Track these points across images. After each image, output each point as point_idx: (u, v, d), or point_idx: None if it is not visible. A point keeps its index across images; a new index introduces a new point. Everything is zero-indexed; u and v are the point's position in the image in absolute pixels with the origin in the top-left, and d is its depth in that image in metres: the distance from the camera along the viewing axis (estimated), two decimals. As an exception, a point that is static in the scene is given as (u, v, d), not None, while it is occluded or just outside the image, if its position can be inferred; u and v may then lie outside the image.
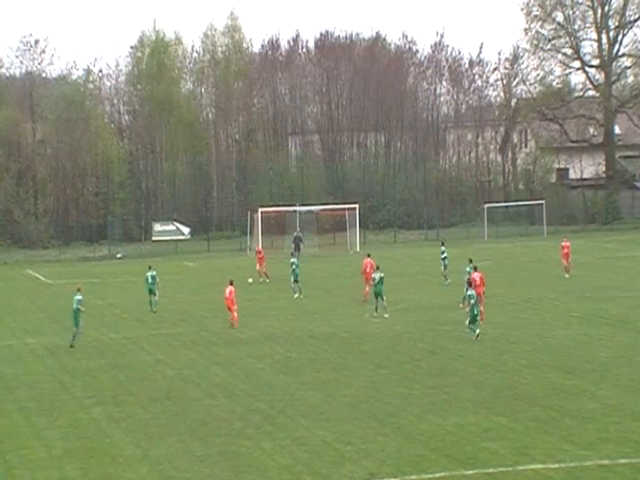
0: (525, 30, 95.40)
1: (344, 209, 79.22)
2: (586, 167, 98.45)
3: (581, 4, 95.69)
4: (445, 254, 53.21)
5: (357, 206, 78.41)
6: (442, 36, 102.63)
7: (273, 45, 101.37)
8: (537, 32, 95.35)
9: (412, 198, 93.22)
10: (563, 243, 55.19)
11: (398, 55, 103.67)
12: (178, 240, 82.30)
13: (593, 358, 32.34)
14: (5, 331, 42.60)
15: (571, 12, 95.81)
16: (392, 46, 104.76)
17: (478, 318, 36.53)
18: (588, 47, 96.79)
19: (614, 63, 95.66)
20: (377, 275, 42.90)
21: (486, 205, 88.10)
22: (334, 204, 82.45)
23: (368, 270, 46.78)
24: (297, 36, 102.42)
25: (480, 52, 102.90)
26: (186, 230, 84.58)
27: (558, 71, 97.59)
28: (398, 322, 40.92)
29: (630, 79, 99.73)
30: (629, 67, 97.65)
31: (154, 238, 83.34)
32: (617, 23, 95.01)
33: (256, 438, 24.13)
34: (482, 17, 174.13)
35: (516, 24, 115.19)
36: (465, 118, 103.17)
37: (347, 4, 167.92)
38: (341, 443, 23.41)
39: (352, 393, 28.54)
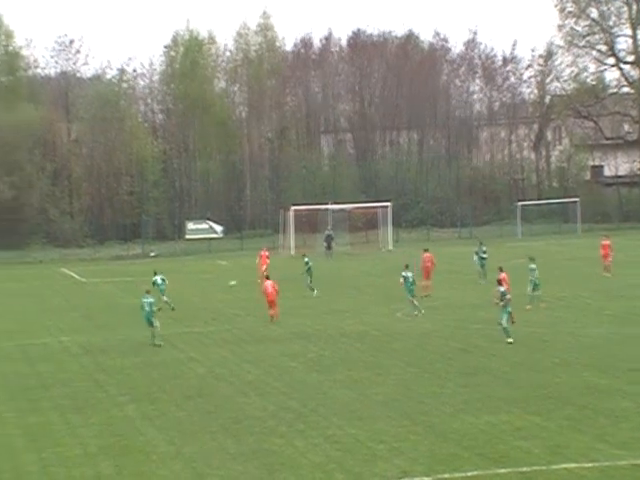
0: (559, 27, 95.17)
1: (376, 207, 79.17)
2: (621, 164, 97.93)
3: (616, 0, 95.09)
4: (485, 254, 52.92)
5: (390, 204, 78.33)
6: (475, 33, 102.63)
7: (306, 43, 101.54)
8: (571, 28, 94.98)
9: (445, 196, 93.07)
10: (603, 242, 54.40)
11: (431, 53, 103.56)
12: (211, 239, 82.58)
13: (627, 357, 32.14)
14: (40, 329, 42.93)
15: (605, 8, 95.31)
16: (425, 44, 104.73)
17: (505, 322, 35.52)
18: (623, 43, 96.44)
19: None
20: (407, 274, 42.86)
21: (519, 203, 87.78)
22: (366, 202, 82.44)
23: (429, 265, 47.32)
24: (330, 34, 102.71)
25: (514, 49, 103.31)
26: (219, 228, 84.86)
27: (592, 68, 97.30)
28: (429, 320, 40.86)
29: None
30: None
31: (187, 237, 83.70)
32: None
33: (289, 436, 24.18)
34: (516, 14, 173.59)
35: (550, 21, 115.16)
36: (498, 115, 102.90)
37: (380, 2, 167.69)
38: (373, 441, 23.42)
39: (384, 391, 28.54)
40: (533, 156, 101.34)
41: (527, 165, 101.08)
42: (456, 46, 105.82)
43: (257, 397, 28.37)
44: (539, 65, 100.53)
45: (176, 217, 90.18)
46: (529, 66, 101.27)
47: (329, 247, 70.91)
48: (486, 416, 25.24)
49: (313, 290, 50.01)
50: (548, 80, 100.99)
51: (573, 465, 21.10)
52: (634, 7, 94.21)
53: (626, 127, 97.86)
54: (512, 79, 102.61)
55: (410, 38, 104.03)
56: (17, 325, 44.34)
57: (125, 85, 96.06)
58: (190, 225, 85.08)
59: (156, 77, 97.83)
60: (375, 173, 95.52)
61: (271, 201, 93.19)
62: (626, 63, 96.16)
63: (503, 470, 20.93)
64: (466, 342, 35.73)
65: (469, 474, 20.85)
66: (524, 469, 20.94)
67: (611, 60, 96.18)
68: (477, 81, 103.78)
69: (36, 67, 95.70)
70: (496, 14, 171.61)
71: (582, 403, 26.26)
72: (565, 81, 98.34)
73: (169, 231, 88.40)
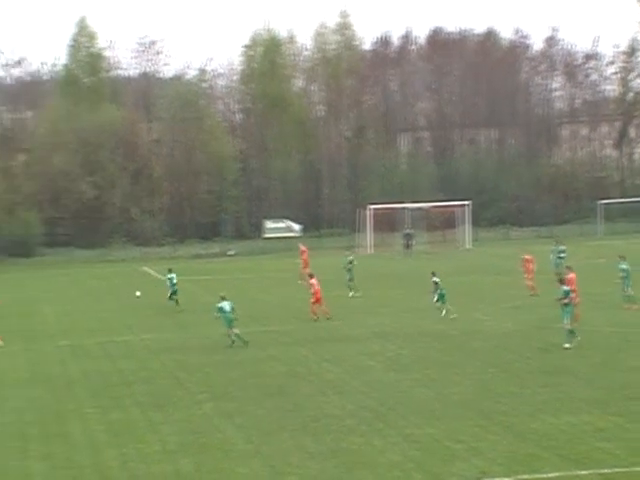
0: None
1: (455, 206, 78.71)
2: None
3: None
4: (564, 254, 52.31)
5: (468, 203, 77.82)
6: (556, 30, 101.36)
7: (384, 42, 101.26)
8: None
9: (524, 194, 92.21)
10: None
11: (511, 50, 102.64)
12: (289, 237, 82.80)
13: None
14: (122, 327, 43.47)
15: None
16: (505, 41, 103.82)
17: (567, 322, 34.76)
18: None
19: None
20: (437, 279, 42.67)
21: (601, 201, 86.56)
22: (444, 201, 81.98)
23: (530, 267, 46.92)
24: (409, 33, 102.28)
25: (595, 46, 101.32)
26: (297, 227, 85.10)
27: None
28: (509, 320, 40.54)
29: None
30: None
31: (265, 235, 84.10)
32: None
33: (367, 435, 24.17)
34: (598, 10, 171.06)
35: (633, 17, 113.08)
36: (579, 113, 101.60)
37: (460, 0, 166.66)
38: (451, 441, 23.32)
39: (462, 391, 28.39)
40: (616, 154, 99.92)
41: (609, 163, 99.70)
42: (536, 43, 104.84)
43: (336, 396, 28.41)
44: (622, 62, 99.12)
45: (254, 216, 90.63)
46: (611, 62, 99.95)
47: (408, 246, 70.68)
48: (566, 416, 24.98)
49: (351, 290, 49.92)
50: (631, 77, 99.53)
51: (656, 467, 20.80)
52: None
53: None
54: (594, 76, 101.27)
55: (490, 35, 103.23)
56: (99, 323, 44.96)
57: (204, 85, 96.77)
58: (268, 224, 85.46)
59: (235, 77, 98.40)
60: (453, 171, 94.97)
61: (349, 200, 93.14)
62: None
63: (584, 472, 20.69)
64: (546, 342, 35.37)
65: (550, 475, 20.65)
66: (605, 470, 20.68)
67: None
68: (558, 78, 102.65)
69: (118, 68, 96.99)
70: (578, 10, 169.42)
71: (665, 405, 25.85)
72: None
73: (247, 230, 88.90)
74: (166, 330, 41.82)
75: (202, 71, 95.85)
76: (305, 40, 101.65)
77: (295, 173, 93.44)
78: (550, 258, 52.96)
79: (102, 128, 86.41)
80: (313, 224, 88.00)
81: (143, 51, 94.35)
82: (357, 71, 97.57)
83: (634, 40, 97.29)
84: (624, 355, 32.49)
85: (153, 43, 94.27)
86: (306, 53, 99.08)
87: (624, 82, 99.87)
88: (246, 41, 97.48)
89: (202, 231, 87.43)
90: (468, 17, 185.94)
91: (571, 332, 34.17)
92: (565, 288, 34.88)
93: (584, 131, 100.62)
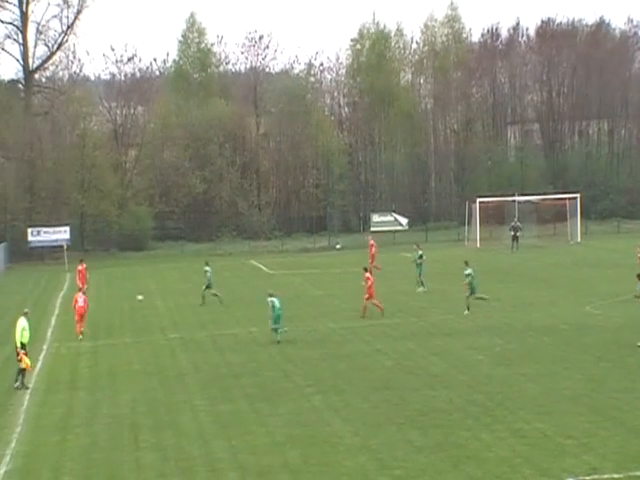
0: None
1: (565, 199, 77.61)
2: None
3: None
4: None
5: (578, 196, 76.67)
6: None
7: (493, 34, 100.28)
8: None
9: (636, 187, 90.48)
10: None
11: (623, 41, 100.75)
12: (396, 231, 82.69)
13: None
14: (230, 320, 43.96)
15: None
16: (617, 31, 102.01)
17: None
18: None
19: None
20: (468, 270, 42.07)
21: None
22: (554, 194, 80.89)
23: None
24: (517, 24, 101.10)
25: None
26: (404, 221, 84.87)
27: None
28: (620, 314, 39.85)
29: None
30: None
31: (372, 229, 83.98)
32: None
33: (475, 429, 24.04)
34: None
35: None
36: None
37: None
38: (561, 436, 23.05)
39: (572, 386, 28.03)
40: None
41: None
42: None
43: (443, 390, 28.31)
44: None
45: (361, 209, 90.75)
46: None
47: (515, 239, 69.99)
48: (681, 413, 24.48)
49: (421, 285, 49.61)
50: None
51: None
52: None
53: None
54: None
55: (601, 26, 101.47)
56: (209, 316, 45.51)
57: (312, 79, 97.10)
58: (375, 217, 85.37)
59: (342, 70, 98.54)
60: (563, 164, 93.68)
61: (456, 193, 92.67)
62: None
63: (699, 470, 20.27)
64: (659, 337, 34.67)
65: (662, 473, 20.27)
66: None
67: None
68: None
69: (227, 63, 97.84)
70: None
71: None
72: None
73: (354, 223, 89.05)
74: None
75: (310, 65, 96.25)
76: (413, 33, 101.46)
77: (402, 166, 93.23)
78: None
79: (211, 123, 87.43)
80: (420, 217, 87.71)
81: (251, 46, 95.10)
82: (465, 63, 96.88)
83: None
84: None
85: (261, 38, 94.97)
86: (414, 46, 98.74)
87: None
88: (354, 35, 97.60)
89: (309, 225, 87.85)
90: (579, 7, 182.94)
91: None
92: None
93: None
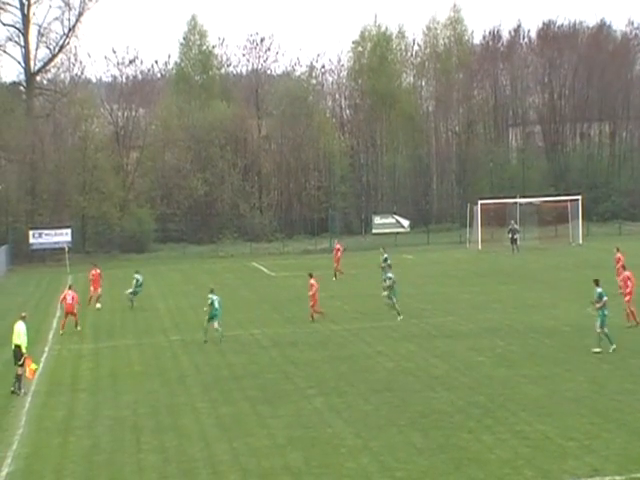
0: None
1: (566, 201, 77.62)
2: None
3: None
4: None
5: (580, 197, 76.66)
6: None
7: (494, 36, 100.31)
8: None
9: (639, 189, 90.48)
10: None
11: (624, 42, 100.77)
12: (397, 233, 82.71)
13: None
14: (232, 321, 43.88)
15: None
16: (618, 33, 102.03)
17: None
18: None
19: None
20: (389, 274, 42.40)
21: None
22: (556, 196, 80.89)
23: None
24: (519, 26, 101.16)
25: None
26: (406, 223, 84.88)
27: None
28: (621, 317, 39.78)
29: None
30: None
31: (374, 231, 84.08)
32: None
33: (476, 431, 24.03)
34: None
35: None
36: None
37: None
38: (563, 438, 23.04)
39: (574, 388, 28.02)
40: None
41: None
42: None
43: (444, 392, 28.30)
44: None
45: (363, 211, 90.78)
46: None
47: (513, 241, 70.01)
48: (682, 415, 24.46)
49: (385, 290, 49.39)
50: None
51: None
52: None
53: None
54: None
55: (602, 28, 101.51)
56: (210, 317, 45.45)
57: (314, 81, 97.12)
58: (377, 219, 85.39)
59: (344, 73, 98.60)
60: (565, 166, 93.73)
61: (458, 195, 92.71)
62: None
63: (701, 472, 20.25)
64: (661, 339, 34.68)
65: (664, 475, 20.26)
66: None
67: None
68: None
69: (228, 65, 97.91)
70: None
71: None
72: None
73: (356, 225, 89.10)
74: (275, 325, 42.15)
75: (311, 67, 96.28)
76: (415, 35, 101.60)
77: (404, 168, 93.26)
78: None
79: (212, 125, 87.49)
80: (422, 219, 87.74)
81: (253, 48, 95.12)
82: (467, 66, 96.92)
83: None
84: None
85: (262, 40, 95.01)
86: (416, 48, 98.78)
87: None
88: (355, 37, 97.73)
89: (311, 227, 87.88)
90: (580, 9, 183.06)
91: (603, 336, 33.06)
92: (599, 290, 33.76)
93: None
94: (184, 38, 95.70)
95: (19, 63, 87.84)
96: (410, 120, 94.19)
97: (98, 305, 49.27)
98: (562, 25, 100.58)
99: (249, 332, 40.68)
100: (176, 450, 23.77)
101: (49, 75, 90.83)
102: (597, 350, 32.80)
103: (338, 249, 60.32)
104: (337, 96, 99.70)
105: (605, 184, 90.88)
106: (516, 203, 77.06)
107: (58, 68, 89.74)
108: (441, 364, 32.30)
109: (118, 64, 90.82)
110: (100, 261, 73.61)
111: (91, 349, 38.63)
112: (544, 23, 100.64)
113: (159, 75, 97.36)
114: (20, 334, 30.93)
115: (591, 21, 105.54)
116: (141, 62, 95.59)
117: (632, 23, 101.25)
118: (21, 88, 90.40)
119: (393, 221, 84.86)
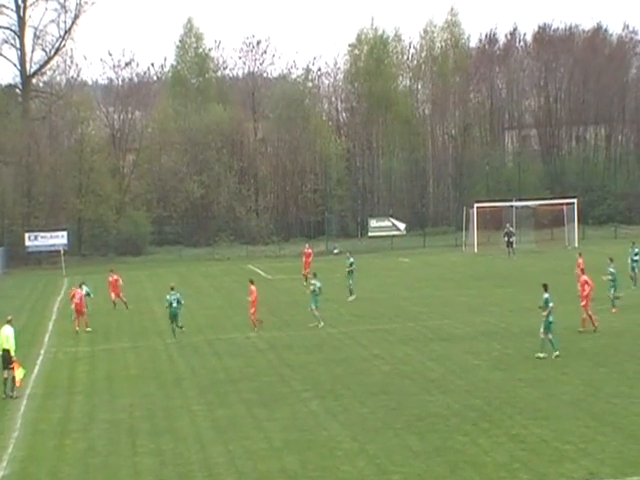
0: None
1: (562, 204, 77.66)
2: None
3: None
4: (637, 257, 50.70)
5: (576, 201, 76.72)
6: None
7: (490, 39, 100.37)
8: None
9: (634, 192, 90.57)
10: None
11: (620, 46, 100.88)
12: (394, 236, 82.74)
13: None
14: (228, 324, 43.94)
15: None
16: (613, 37, 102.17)
17: None
18: None
19: None
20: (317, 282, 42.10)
21: None
22: (551, 199, 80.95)
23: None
24: (515, 30, 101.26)
25: None
26: (402, 226, 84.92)
27: None
28: (619, 320, 39.86)
29: None
30: None
31: (370, 234, 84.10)
32: None
33: (472, 434, 24.03)
34: None
35: None
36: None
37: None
38: (559, 441, 23.04)
39: (570, 391, 28.03)
40: None
41: None
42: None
43: (441, 395, 28.30)
44: None
45: (359, 214, 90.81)
46: None
47: (509, 244, 70.01)
48: (678, 419, 24.47)
49: (351, 293, 49.61)
50: None
51: None
52: None
53: None
54: None
55: (598, 31, 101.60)
56: (206, 320, 45.52)
57: (310, 84, 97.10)
58: (373, 222, 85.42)
59: (340, 76, 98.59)
60: (561, 169, 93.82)
61: (454, 198, 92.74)
62: None
63: (696, 475, 20.26)
64: (657, 342, 34.68)
65: (660, 478, 20.27)
66: None
67: None
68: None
69: (225, 68, 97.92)
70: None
71: None
72: None
73: (352, 228, 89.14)
74: (271, 328, 42.10)
75: (307, 70, 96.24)
76: (411, 38, 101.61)
77: (400, 171, 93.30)
78: (628, 262, 51.32)
79: (209, 128, 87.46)
80: (418, 222, 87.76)
81: (249, 51, 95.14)
82: (463, 69, 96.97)
83: None
84: None
85: (259, 43, 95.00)
86: (412, 51, 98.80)
87: None
88: (352, 40, 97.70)
89: (307, 230, 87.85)
90: (576, 13, 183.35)
91: (548, 342, 32.95)
92: (545, 296, 33.68)
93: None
94: (180, 41, 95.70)
95: (15, 65, 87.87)
96: (406, 123, 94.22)
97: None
98: (558, 29, 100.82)
99: (245, 335, 40.65)
100: (172, 453, 23.75)
101: (45, 77, 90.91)
102: (541, 355, 32.75)
103: (309, 254, 59.89)
104: (333, 99, 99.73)
105: (601, 187, 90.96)
106: (512, 206, 77.10)
107: (54, 70, 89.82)
108: (437, 367, 32.30)
109: (114, 67, 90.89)
110: (96, 264, 73.71)
111: (87, 352, 38.60)
112: (540, 27, 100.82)
113: (155, 78, 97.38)
114: (8, 338, 30.75)
115: (587, 25, 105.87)
116: (137, 65, 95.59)
117: (628, 27, 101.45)
118: (17, 90, 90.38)
119: (389, 224, 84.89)
